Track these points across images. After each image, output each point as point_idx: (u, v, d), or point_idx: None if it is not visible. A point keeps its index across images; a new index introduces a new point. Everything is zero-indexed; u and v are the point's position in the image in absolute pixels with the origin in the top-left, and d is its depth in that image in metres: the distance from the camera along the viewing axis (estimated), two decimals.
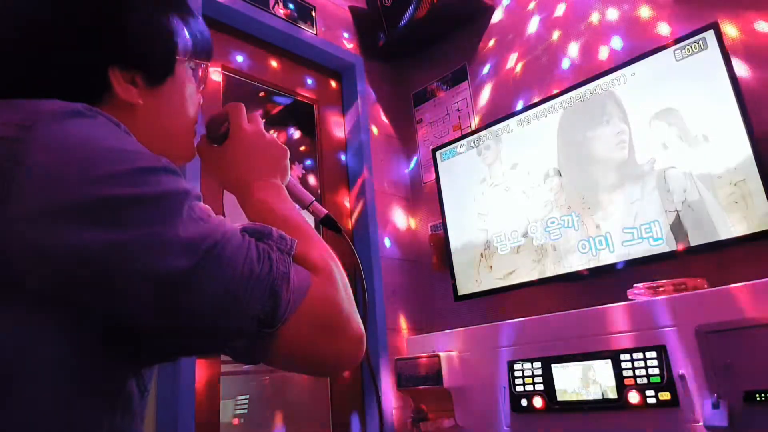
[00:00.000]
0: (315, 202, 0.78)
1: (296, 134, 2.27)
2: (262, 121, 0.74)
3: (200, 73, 0.69)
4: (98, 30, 0.56)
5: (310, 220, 0.73)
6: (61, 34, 0.54)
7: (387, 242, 2.29)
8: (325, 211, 0.78)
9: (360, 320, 0.56)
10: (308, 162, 2.24)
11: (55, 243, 0.41)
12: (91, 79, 0.56)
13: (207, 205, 0.51)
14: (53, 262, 0.42)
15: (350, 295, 0.57)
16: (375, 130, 2.44)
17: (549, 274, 1.79)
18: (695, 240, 1.50)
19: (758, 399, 1.18)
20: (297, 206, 0.70)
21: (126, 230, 0.43)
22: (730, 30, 1.61)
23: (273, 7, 2.15)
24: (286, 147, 0.74)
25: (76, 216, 0.42)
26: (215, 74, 1.95)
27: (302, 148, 2.25)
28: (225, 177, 0.70)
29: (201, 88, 0.70)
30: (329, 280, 0.55)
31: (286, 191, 0.70)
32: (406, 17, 2.26)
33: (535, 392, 1.56)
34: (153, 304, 0.44)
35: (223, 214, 1.84)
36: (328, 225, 0.78)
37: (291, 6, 2.23)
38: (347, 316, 0.54)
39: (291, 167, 0.75)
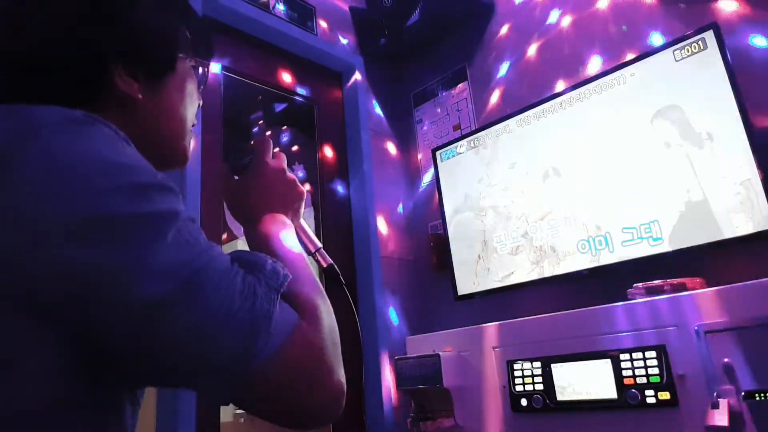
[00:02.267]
0: (321, 250, 0.76)
1: (296, 135, 2.27)
2: (285, 160, 0.74)
3: (201, 72, 0.69)
4: (101, 24, 0.56)
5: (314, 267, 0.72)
6: (64, 27, 0.54)
7: (387, 242, 2.29)
8: (330, 261, 0.76)
9: (343, 374, 0.52)
10: (308, 162, 2.25)
11: (40, 258, 0.41)
12: (93, 72, 0.56)
13: (200, 228, 0.49)
14: (38, 278, 0.41)
15: (337, 345, 0.53)
16: (375, 130, 2.44)
17: (548, 274, 1.79)
18: (696, 240, 1.50)
19: (758, 399, 1.18)
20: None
21: (107, 250, 0.42)
22: (729, 30, 1.61)
23: (273, 8, 2.15)
24: (304, 190, 0.73)
25: (61, 233, 0.41)
26: (216, 75, 1.95)
27: (302, 148, 2.25)
28: (238, 207, 0.70)
29: (201, 88, 0.70)
30: (315, 325, 0.52)
31: (294, 233, 0.69)
32: (406, 17, 2.26)
33: (535, 392, 1.56)
34: (125, 328, 0.42)
35: (223, 229, 1.84)
36: (330, 276, 0.75)
37: (291, 7, 2.23)
38: (329, 367, 0.50)
39: (292, 171, 0.75)
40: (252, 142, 0.73)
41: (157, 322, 0.42)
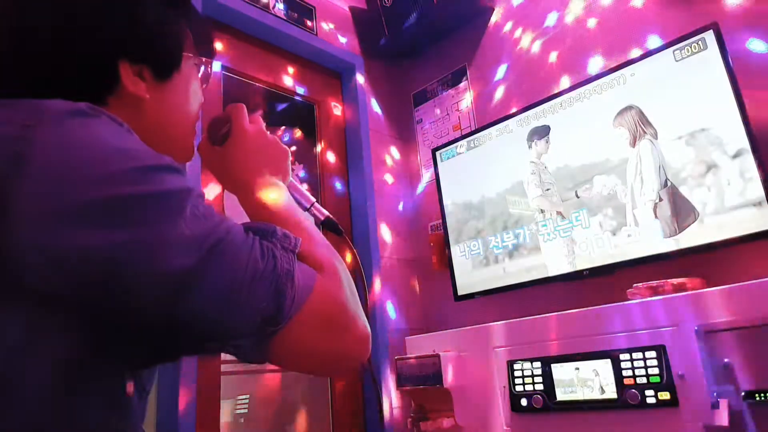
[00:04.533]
0: (316, 204, 0.77)
1: (296, 134, 2.27)
2: (263, 122, 0.74)
3: (203, 70, 0.70)
4: (108, 22, 0.56)
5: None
6: (72, 25, 0.55)
7: (387, 242, 2.29)
8: (326, 213, 0.78)
9: (365, 320, 0.56)
10: (308, 162, 2.25)
11: (59, 244, 0.41)
12: (101, 71, 0.56)
13: (210, 203, 0.50)
14: (57, 264, 0.41)
15: (355, 294, 0.56)
16: (375, 130, 2.44)
17: (549, 274, 1.79)
18: (695, 240, 1.50)
19: (758, 399, 1.18)
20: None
21: (130, 230, 0.43)
22: (729, 30, 1.61)
23: (273, 8, 2.15)
24: (287, 148, 0.73)
25: (80, 217, 0.42)
26: (215, 74, 1.95)
27: (302, 148, 2.25)
28: (226, 177, 0.70)
29: (204, 85, 0.71)
30: (334, 279, 0.55)
31: (288, 192, 0.70)
32: (406, 17, 2.26)
33: (534, 392, 1.56)
34: (157, 303, 0.44)
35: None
36: (328, 227, 0.77)
37: (291, 6, 2.23)
38: (353, 315, 0.53)
39: (292, 168, 0.75)
40: (226, 111, 0.72)
41: (187, 294, 0.44)
